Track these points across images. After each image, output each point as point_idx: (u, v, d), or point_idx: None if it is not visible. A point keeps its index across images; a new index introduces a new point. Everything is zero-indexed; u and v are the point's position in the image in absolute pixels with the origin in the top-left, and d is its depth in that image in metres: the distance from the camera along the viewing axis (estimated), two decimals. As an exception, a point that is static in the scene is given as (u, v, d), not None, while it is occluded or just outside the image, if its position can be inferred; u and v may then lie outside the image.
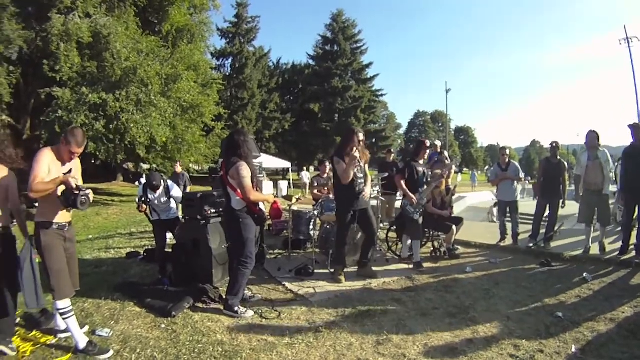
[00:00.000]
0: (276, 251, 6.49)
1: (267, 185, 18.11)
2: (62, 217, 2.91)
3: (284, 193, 18.77)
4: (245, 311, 3.72)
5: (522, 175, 6.71)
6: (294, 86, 37.49)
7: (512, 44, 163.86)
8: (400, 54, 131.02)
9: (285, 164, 23.94)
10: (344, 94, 32.91)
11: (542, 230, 6.49)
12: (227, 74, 31.12)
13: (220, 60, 31.96)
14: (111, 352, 2.89)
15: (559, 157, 6.40)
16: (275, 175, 30.57)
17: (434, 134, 62.93)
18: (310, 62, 35.82)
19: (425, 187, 5.51)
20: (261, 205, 3.98)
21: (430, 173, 5.83)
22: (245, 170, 3.60)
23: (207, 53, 22.16)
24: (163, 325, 3.41)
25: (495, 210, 11.79)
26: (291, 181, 22.43)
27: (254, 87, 31.00)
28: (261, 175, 5.87)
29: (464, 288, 4.59)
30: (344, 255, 4.98)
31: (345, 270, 5.02)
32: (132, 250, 6.62)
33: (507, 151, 6.92)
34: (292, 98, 37.32)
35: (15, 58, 12.72)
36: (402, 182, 5.43)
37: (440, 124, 65.32)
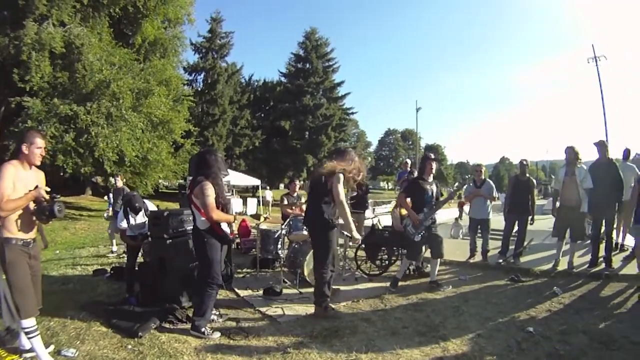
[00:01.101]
0: (244, 270, 6.36)
1: (237, 203, 17.84)
2: (27, 233, 2.84)
3: (253, 211, 18.48)
4: (213, 332, 3.63)
5: (496, 194, 6.72)
6: (265, 103, 37.26)
7: (481, 61, 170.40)
8: (370, 73, 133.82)
9: (255, 182, 23.66)
10: (315, 112, 32.93)
11: (512, 247, 6.60)
12: (199, 89, 30.77)
13: (193, 75, 31.52)
14: None
15: (527, 175, 6.54)
16: (245, 192, 30.11)
17: (404, 152, 63.89)
18: (282, 79, 35.88)
19: (433, 207, 5.14)
20: (225, 227, 3.82)
21: (439, 194, 5.39)
22: (210, 190, 3.56)
23: (179, 68, 21.96)
24: (129, 346, 3.30)
25: (458, 226, 11.95)
26: (260, 199, 22.15)
27: (225, 103, 30.66)
28: (229, 194, 5.68)
29: (433, 306, 4.54)
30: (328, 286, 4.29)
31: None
32: (100, 267, 6.46)
33: (482, 168, 7.00)
34: (262, 115, 37.06)
35: None
36: (407, 200, 5.20)
37: (410, 142, 66.09)
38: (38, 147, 2.85)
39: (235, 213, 7.18)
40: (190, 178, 4.07)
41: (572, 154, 5.74)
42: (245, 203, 19.54)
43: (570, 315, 4.07)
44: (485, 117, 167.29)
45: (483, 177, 6.82)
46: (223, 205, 3.74)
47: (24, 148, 2.81)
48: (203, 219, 3.61)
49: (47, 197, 2.83)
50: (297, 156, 31.92)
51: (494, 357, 3.11)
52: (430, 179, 5.23)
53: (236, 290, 5.15)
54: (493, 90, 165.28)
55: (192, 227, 3.89)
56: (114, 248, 7.95)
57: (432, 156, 5.51)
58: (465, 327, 3.82)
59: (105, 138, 11.86)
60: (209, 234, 3.65)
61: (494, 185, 6.76)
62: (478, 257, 6.70)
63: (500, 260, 6.44)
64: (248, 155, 33.45)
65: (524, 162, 6.61)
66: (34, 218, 2.87)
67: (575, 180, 5.62)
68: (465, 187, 6.49)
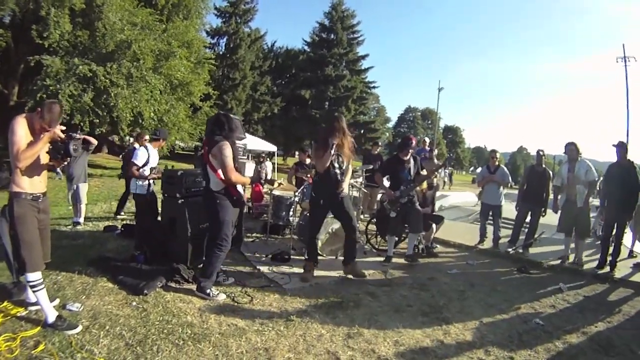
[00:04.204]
0: (254, 234, 6.42)
1: (251, 167, 17.78)
2: (37, 187, 2.81)
3: (268, 176, 18.49)
4: (218, 294, 3.65)
5: (509, 180, 6.65)
6: (287, 71, 36.83)
7: (509, 50, 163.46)
8: (396, 49, 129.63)
9: (272, 147, 23.67)
10: (337, 83, 32.50)
11: (522, 237, 6.53)
12: (221, 52, 30.56)
13: (215, 39, 31.22)
14: (80, 328, 2.80)
15: (544, 166, 6.39)
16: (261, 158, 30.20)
17: (423, 130, 63.12)
18: (306, 48, 35.19)
19: (410, 185, 5.34)
20: (240, 188, 3.85)
21: (415, 170, 5.59)
22: (228, 150, 3.52)
23: (202, 31, 21.62)
24: (134, 303, 3.32)
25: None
26: (276, 165, 22.15)
27: (246, 68, 30.42)
28: (244, 158, 5.68)
29: (439, 287, 4.56)
30: (314, 250, 4.60)
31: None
32: (111, 224, 6.49)
33: (497, 155, 6.88)
34: (283, 82, 36.73)
35: (8, 22, 12.14)
36: (382, 178, 5.40)
37: (429, 122, 65.17)
38: (42, 126, 2.74)
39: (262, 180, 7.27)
40: (205, 138, 4.04)
41: (572, 151, 5.66)
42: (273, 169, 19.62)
43: (573, 314, 4.02)
44: (507, 105, 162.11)
45: (497, 163, 6.71)
46: (237, 169, 3.70)
47: (37, 113, 2.75)
48: (217, 179, 3.59)
49: (63, 136, 2.79)
50: (315, 126, 31.28)
51: (494, 347, 3.11)
52: (407, 157, 5.38)
53: (245, 254, 5.21)
54: (518, 80, 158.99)
55: (203, 189, 3.87)
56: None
57: (414, 142, 5.61)
58: (468, 312, 3.84)
59: (124, 99, 11.80)
60: (223, 196, 3.63)
61: (507, 172, 6.68)
62: (487, 244, 6.67)
63: (510, 249, 6.40)
64: (266, 122, 33.32)
65: (541, 153, 6.43)
66: (48, 160, 2.84)
67: (578, 176, 5.54)
68: (479, 170, 6.48)
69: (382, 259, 5.48)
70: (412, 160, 5.41)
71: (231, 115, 3.86)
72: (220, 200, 3.63)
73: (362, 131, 33.14)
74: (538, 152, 6.49)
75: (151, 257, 4.47)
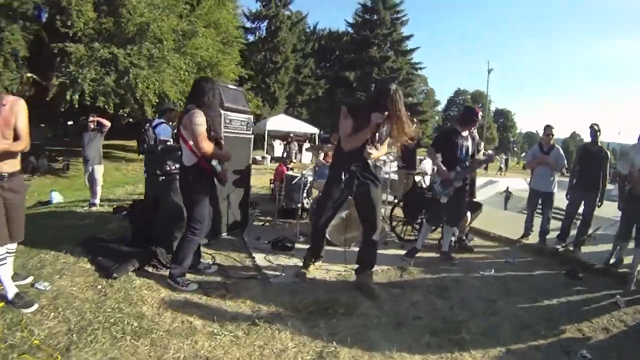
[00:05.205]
0: (267, 218, 5.89)
1: (279, 148, 17.28)
2: (2, 167, 2.75)
3: (308, 160, 18.00)
4: (189, 284, 3.27)
5: (564, 163, 5.43)
6: (331, 53, 36.48)
7: (566, 32, 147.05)
8: (444, 29, 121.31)
9: (313, 130, 23.16)
10: (382, 64, 31.91)
11: (574, 231, 5.35)
12: (262, 36, 30.79)
13: (256, 23, 31.42)
14: (35, 307, 2.72)
15: (599, 144, 5.12)
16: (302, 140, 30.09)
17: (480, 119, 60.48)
18: (349, 29, 34.76)
19: (466, 166, 4.40)
20: (215, 163, 3.28)
21: (472, 151, 4.61)
22: (200, 119, 3.09)
23: (241, 15, 21.40)
24: (100, 286, 3.13)
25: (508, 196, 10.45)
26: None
27: (287, 50, 30.45)
28: (247, 132, 5.09)
29: (463, 293, 3.64)
30: (318, 242, 3.77)
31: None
32: (122, 205, 6.26)
33: (553, 130, 5.51)
34: (327, 65, 36.27)
35: (33, 14, 12.46)
36: (436, 155, 4.39)
37: (480, 104, 62.34)
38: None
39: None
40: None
41: None
42: (300, 150, 19.20)
43: (632, 345, 2.98)
44: (560, 89, 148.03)
45: (552, 143, 5.46)
46: (216, 141, 3.29)
47: None
48: (189, 152, 3.19)
49: None
50: None
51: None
52: (466, 133, 4.43)
53: (245, 239, 4.75)
54: (571, 64, 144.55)
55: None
56: None
57: (480, 114, 4.65)
58: (494, 333, 2.92)
59: (144, 79, 11.83)
60: (195, 172, 3.23)
61: (563, 154, 5.42)
62: (534, 238, 5.55)
63: (558, 247, 5.22)
64: (311, 104, 33.32)
65: (595, 127, 5.10)
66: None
67: None
68: (529, 151, 5.29)
69: (404, 251, 4.64)
70: (470, 138, 4.47)
71: (211, 80, 3.44)
72: (193, 177, 3.24)
73: (409, 113, 31.99)
74: (592, 127, 5.15)
75: (134, 238, 4.13)
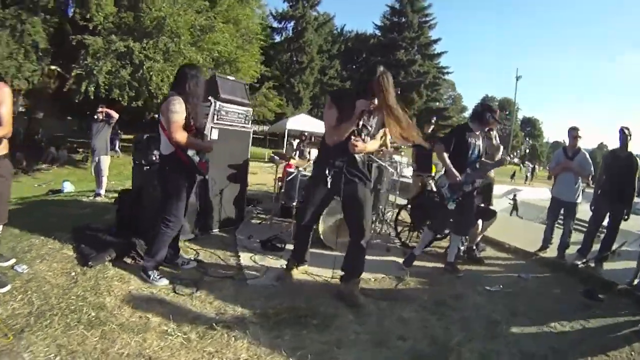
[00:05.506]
0: (268, 216, 5.60)
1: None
2: None
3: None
4: (160, 278, 3.12)
5: (590, 170, 4.85)
6: (357, 55, 36.19)
7: (594, 40, 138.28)
8: (473, 34, 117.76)
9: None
10: (408, 68, 31.63)
11: (596, 246, 4.81)
12: (289, 36, 31.02)
13: (282, 23, 31.70)
14: (7, 288, 2.74)
15: (630, 150, 4.55)
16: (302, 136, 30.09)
17: (499, 121, 58.92)
18: (377, 32, 34.75)
19: (477, 168, 4.00)
20: (192, 155, 3.07)
21: (487, 151, 4.26)
22: (178, 106, 2.95)
23: (268, 15, 21.18)
24: (74, 274, 3.09)
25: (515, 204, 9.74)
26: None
27: (313, 51, 30.56)
28: (246, 124, 4.88)
29: (462, 311, 3.18)
30: (302, 245, 3.46)
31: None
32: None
33: (579, 133, 4.92)
34: (354, 67, 36.00)
35: (52, 6, 12.61)
36: (445, 155, 3.92)
37: (507, 112, 60.85)
38: None
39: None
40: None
41: None
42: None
43: None
44: (588, 98, 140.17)
45: (578, 146, 4.91)
46: (197, 130, 3.15)
47: None
48: (166, 140, 3.04)
49: None
50: None
51: None
52: (478, 132, 4.05)
53: (237, 236, 4.53)
54: (600, 72, 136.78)
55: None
56: None
57: (498, 113, 4.22)
58: None
59: (158, 72, 11.84)
60: (172, 161, 3.08)
61: (589, 160, 4.86)
62: (552, 252, 5.01)
63: (578, 262, 4.65)
64: (336, 106, 32.94)
65: (626, 131, 4.54)
66: None
67: None
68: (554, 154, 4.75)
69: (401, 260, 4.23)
70: (481, 138, 4.08)
71: (195, 67, 3.28)
72: (170, 167, 3.10)
73: (434, 119, 31.35)
74: (622, 130, 4.57)
75: (119, 228, 4.08)
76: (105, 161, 6.64)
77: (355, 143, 2.83)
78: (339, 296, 3.11)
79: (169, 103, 2.98)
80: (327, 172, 2.96)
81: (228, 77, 5.14)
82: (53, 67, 13.47)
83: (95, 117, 6.67)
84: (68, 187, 9.14)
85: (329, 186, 2.97)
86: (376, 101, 2.81)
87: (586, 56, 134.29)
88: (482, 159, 4.11)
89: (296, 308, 2.83)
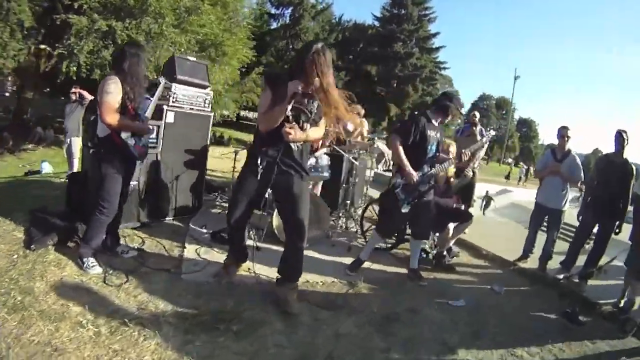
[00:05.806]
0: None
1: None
2: None
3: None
4: (93, 266, 2.97)
5: (580, 175, 4.43)
6: (354, 45, 35.62)
7: (602, 44, 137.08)
8: (472, 29, 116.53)
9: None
10: (405, 61, 31.08)
11: (582, 257, 4.41)
12: (285, 23, 30.21)
13: (280, 10, 30.83)
14: None
15: (625, 156, 4.13)
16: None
17: (497, 120, 59.28)
18: (375, 23, 34.07)
19: (435, 164, 3.62)
20: (125, 136, 2.91)
21: (443, 146, 3.86)
22: (113, 86, 2.81)
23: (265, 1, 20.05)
24: (15, 256, 3.01)
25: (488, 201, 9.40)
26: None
27: (308, 39, 29.64)
28: (206, 108, 4.53)
29: (414, 329, 2.77)
30: (238, 242, 3.06)
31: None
32: None
33: (569, 133, 4.50)
34: (350, 57, 35.46)
35: None
36: (400, 148, 3.47)
37: (503, 112, 61.10)
38: None
39: None
40: None
41: None
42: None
43: None
44: (586, 89, 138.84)
45: (568, 148, 4.50)
46: (135, 112, 2.99)
47: None
48: (100, 120, 2.90)
49: None
50: (380, 104, 30.37)
51: None
52: (437, 123, 3.63)
53: (191, 225, 4.25)
54: (598, 62, 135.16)
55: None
56: None
57: (460, 106, 3.78)
58: None
59: None
60: (107, 144, 2.94)
61: (579, 163, 4.46)
62: (533, 262, 4.63)
63: (561, 276, 4.27)
64: (327, 95, 32.61)
65: (623, 134, 4.11)
66: None
67: None
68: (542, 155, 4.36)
69: (370, 263, 3.82)
70: (439, 131, 3.66)
71: (136, 45, 3.24)
72: (105, 149, 2.96)
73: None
74: (619, 133, 4.14)
75: (69, 212, 3.93)
76: (77, 143, 6.48)
77: (288, 130, 2.45)
78: (273, 301, 2.74)
79: (103, 83, 2.87)
80: (258, 162, 2.59)
81: (189, 57, 4.73)
82: (42, 47, 13.02)
83: (70, 98, 6.59)
84: (46, 168, 9.15)
85: (259, 178, 2.59)
86: (317, 82, 2.39)
87: (584, 47, 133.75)
88: (440, 154, 3.71)
89: (220, 310, 2.53)
